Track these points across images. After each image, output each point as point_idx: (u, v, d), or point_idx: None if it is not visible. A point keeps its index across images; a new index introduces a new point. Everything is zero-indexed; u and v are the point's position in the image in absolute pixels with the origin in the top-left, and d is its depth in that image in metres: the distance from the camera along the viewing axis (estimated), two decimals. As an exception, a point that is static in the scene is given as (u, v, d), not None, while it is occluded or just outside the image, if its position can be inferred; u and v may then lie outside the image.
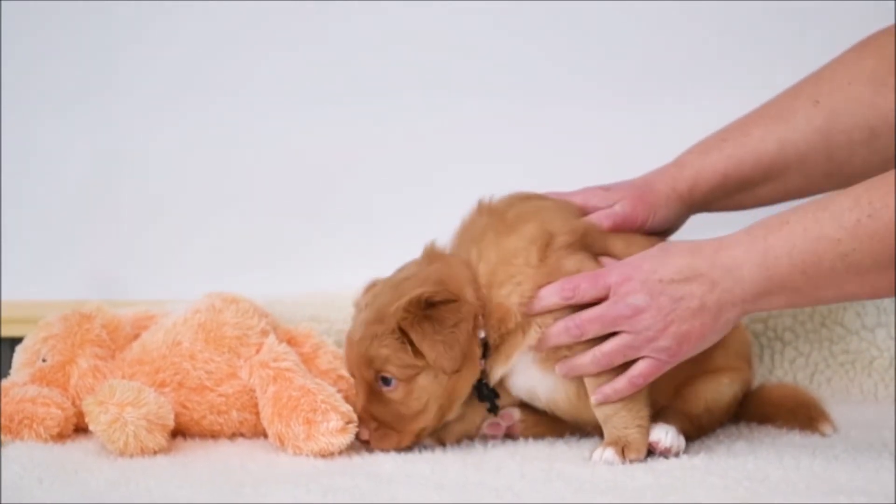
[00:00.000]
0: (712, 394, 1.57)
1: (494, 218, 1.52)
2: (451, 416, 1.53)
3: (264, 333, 1.59)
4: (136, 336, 1.63)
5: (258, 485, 1.36)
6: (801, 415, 1.64)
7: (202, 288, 1.66)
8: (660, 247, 1.45)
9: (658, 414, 1.53)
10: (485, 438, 1.59)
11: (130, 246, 1.97)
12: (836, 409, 1.67)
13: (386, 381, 1.49)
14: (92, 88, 1.95)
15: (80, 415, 1.54)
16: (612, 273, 1.44)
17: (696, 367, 1.56)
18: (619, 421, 1.47)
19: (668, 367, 1.45)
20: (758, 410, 1.67)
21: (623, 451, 1.46)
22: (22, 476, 1.38)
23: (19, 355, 1.62)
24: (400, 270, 1.54)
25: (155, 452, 1.50)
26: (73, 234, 1.96)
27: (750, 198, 1.64)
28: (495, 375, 1.52)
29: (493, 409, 1.55)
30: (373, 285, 1.55)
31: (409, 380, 1.48)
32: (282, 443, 1.51)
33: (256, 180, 1.95)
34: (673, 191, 1.60)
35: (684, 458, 1.49)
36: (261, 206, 1.95)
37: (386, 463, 1.45)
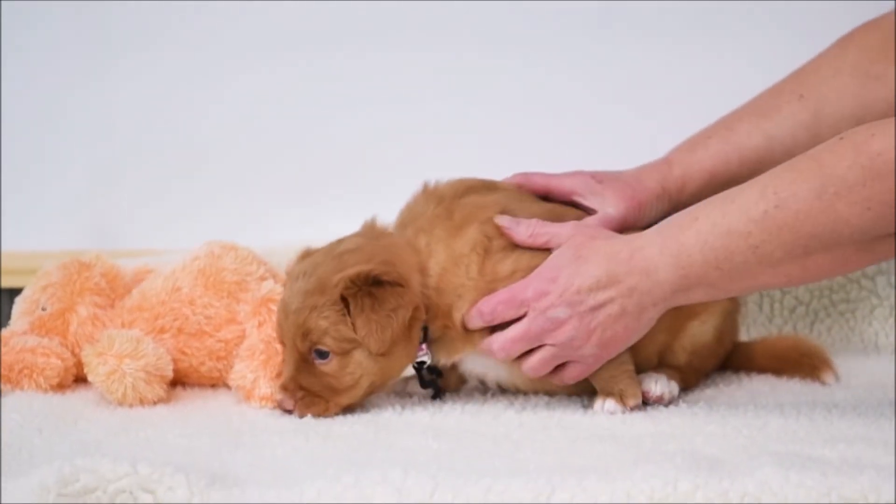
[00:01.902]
0: (689, 340, 1.57)
1: (442, 210, 1.49)
2: (383, 391, 1.52)
3: (263, 279, 1.59)
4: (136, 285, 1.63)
5: (257, 434, 1.36)
6: (805, 364, 1.64)
7: (199, 239, 1.65)
8: (574, 253, 1.42)
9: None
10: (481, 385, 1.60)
11: (129, 197, 1.96)
12: (836, 357, 1.67)
13: (321, 354, 1.44)
14: (91, 43, 1.94)
15: (79, 364, 1.54)
16: (527, 288, 1.43)
17: (668, 332, 1.55)
18: (606, 372, 1.47)
19: (598, 366, 1.45)
20: (762, 363, 1.67)
21: (622, 400, 1.46)
22: (22, 426, 1.38)
23: (18, 305, 1.62)
24: (339, 242, 1.49)
25: (154, 403, 1.50)
26: (72, 184, 1.96)
27: None
28: (441, 362, 1.50)
29: (437, 395, 1.53)
30: (307, 254, 1.50)
31: (345, 354, 1.44)
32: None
33: (252, 133, 1.94)
34: (663, 190, 1.58)
35: (683, 406, 1.49)
36: (256, 157, 1.95)
37: (384, 411, 1.46)
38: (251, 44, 1.94)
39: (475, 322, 1.45)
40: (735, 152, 1.59)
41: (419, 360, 1.48)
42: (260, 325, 1.54)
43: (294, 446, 1.31)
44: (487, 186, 1.53)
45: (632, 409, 1.46)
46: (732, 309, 1.63)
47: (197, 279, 1.58)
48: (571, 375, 1.46)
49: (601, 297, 1.41)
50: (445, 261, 1.46)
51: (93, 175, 1.96)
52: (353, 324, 1.43)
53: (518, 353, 1.45)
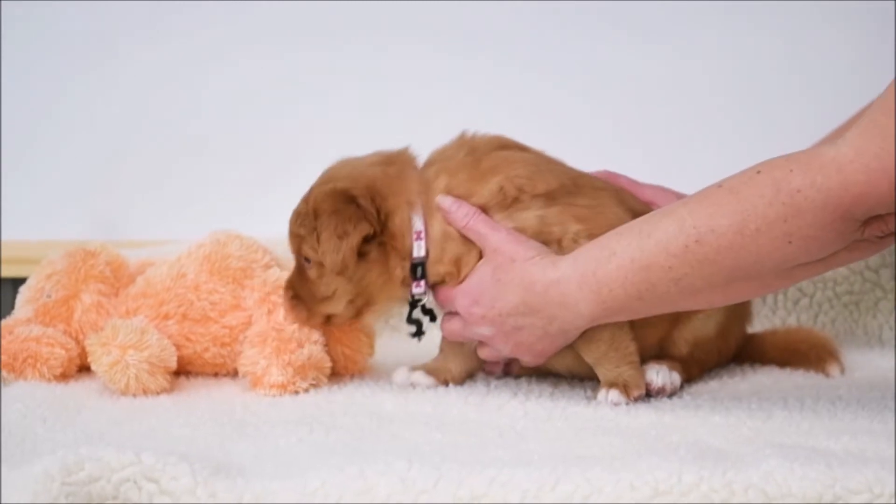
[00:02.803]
0: (691, 332, 1.57)
1: (471, 158, 1.51)
2: (372, 318, 1.55)
3: (268, 267, 1.59)
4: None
5: (261, 424, 1.36)
6: (812, 356, 1.65)
7: (204, 229, 1.65)
8: (493, 275, 1.44)
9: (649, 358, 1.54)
10: (485, 376, 1.60)
11: (133, 188, 1.96)
12: (839, 350, 1.67)
13: (307, 260, 1.51)
14: (92, 31, 1.94)
15: (83, 353, 1.54)
16: (456, 299, 1.47)
17: (671, 322, 1.56)
18: (610, 362, 1.47)
19: (543, 362, 1.49)
20: (771, 354, 1.67)
21: (626, 391, 1.46)
22: (25, 415, 1.38)
23: (23, 293, 1.62)
24: (371, 154, 1.53)
25: (157, 393, 1.50)
26: (74, 174, 1.95)
27: None
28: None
29: (418, 334, 1.55)
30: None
31: (320, 265, 1.49)
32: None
33: (254, 122, 1.94)
34: None
35: (687, 398, 1.49)
36: (259, 147, 1.95)
37: (388, 402, 1.46)
38: (254, 31, 1.93)
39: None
40: None
41: (417, 296, 1.51)
42: (269, 312, 1.54)
43: (298, 436, 1.31)
44: (521, 147, 1.55)
45: (635, 399, 1.46)
46: (739, 307, 1.63)
47: (202, 265, 1.58)
48: (523, 368, 1.53)
49: (522, 321, 1.44)
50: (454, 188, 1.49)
51: (94, 165, 1.96)
52: (317, 237, 1.48)
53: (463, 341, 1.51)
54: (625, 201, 1.54)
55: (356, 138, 1.91)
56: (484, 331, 1.46)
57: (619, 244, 1.38)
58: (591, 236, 1.44)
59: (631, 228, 1.39)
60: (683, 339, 1.57)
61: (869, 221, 1.28)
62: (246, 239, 1.61)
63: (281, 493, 1.13)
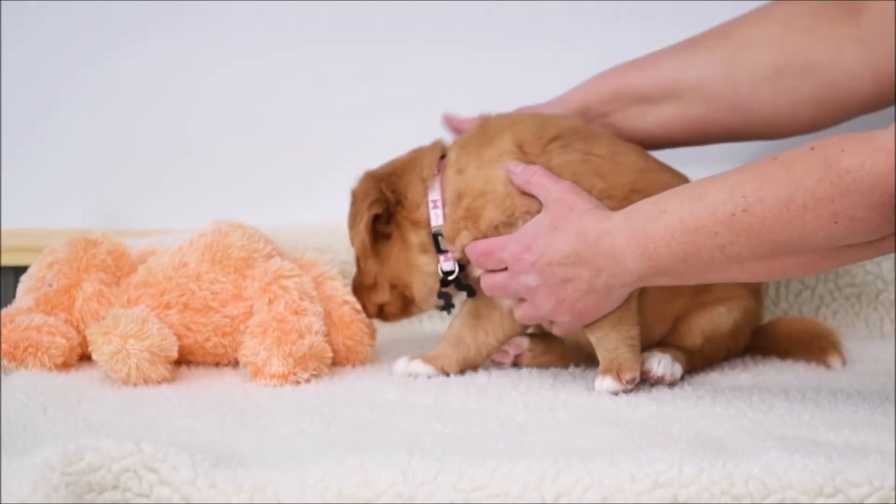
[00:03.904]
0: (709, 324, 1.57)
1: (480, 130, 1.56)
2: (420, 303, 1.59)
3: (270, 257, 1.59)
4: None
5: (261, 414, 1.36)
6: (814, 347, 1.64)
7: (206, 219, 1.65)
8: (550, 223, 1.46)
9: (655, 345, 1.54)
10: (493, 365, 1.60)
11: (134, 177, 1.96)
12: (841, 341, 1.66)
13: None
14: (96, 20, 1.94)
15: (84, 342, 1.54)
16: (507, 248, 1.48)
17: (691, 300, 1.56)
18: (610, 342, 1.48)
19: (580, 326, 1.49)
20: (773, 344, 1.67)
21: (619, 375, 1.46)
22: (26, 404, 1.38)
23: (24, 282, 1.62)
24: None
25: (158, 382, 1.50)
26: (77, 163, 1.95)
27: (653, 116, 1.65)
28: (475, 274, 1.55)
29: (447, 307, 1.58)
30: None
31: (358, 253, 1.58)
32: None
33: (259, 113, 1.94)
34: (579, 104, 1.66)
35: (688, 389, 1.49)
36: (263, 137, 1.94)
37: (389, 393, 1.46)
38: (262, 25, 1.93)
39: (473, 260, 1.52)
40: (646, 71, 1.64)
41: (445, 269, 1.54)
42: (270, 302, 1.54)
43: (299, 427, 1.31)
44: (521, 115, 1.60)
45: (628, 383, 1.46)
46: (756, 311, 1.63)
47: (204, 255, 1.58)
48: (557, 332, 1.51)
49: (570, 272, 1.44)
50: (472, 171, 1.52)
51: (97, 154, 1.95)
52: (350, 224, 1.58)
53: (499, 297, 1.52)
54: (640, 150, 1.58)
55: (359, 133, 1.93)
56: (530, 280, 1.46)
57: (670, 203, 1.39)
58: (611, 197, 1.49)
59: (685, 189, 1.40)
60: (700, 330, 1.56)
61: None
62: (248, 228, 1.61)
63: (281, 484, 1.13)
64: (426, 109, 1.87)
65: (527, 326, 1.58)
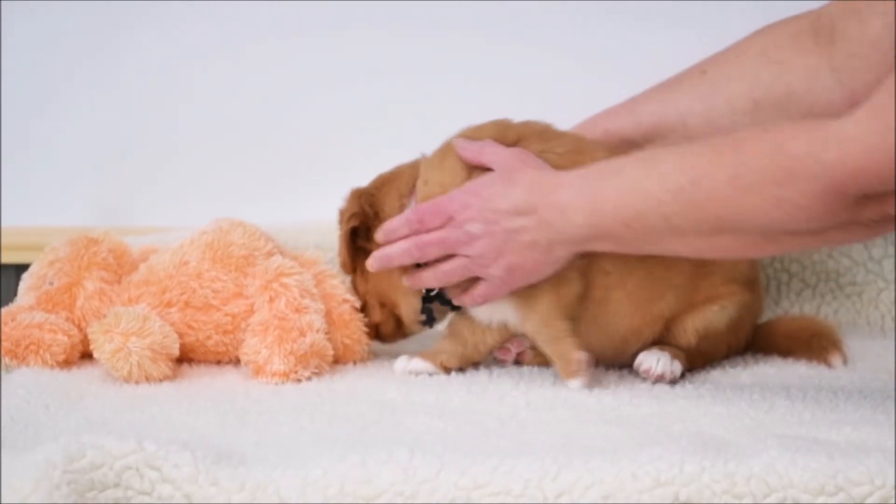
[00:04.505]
0: (702, 323, 1.56)
1: (447, 142, 1.56)
2: (409, 323, 1.59)
3: (270, 255, 1.59)
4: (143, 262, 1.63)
5: (263, 412, 1.37)
6: (815, 345, 1.64)
7: (207, 216, 1.65)
8: (504, 174, 1.47)
9: (652, 344, 1.55)
10: (495, 362, 1.60)
11: (135, 174, 1.96)
12: (842, 339, 1.66)
13: None
14: (97, 16, 1.94)
15: (86, 340, 1.54)
16: (454, 200, 1.48)
17: (679, 301, 1.55)
18: (543, 337, 1.50)
19: (505, 291, 1.49)
20: (774, 343, 1.67)
21: (574, 373, 1.48)
22: (28, 402, 1.38)
23: (25, 280, 1.62)
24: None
25: (160, 380, 1.50)
26: (78, 160, 1.95)
27: None
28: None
29: (429, 322, 1.58)
30: None
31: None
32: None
33: (261, 110, 1.94)
34: None
35: (689, 387, 1.49)
36: (265, 134, 1.94)
37: (390, 391, 1.46)
38: (264, 21, 1.93)
39: (402, 229, 1.51)
40: (629, 114, 1.64)
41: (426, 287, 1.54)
42: (271, 300, 1.54)
43: (300, 425, 1.31)
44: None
45: (584, 371, 1.47)
46: (753, 304, 1.63)
47: (205, 253, 1.58)
48: (479, 293, 1.50)
49: (516, 222, 1.44)
50: (434, 178, 1.53)
51: (98, 151, 1.95)
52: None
53: (431, 258, 1.50)
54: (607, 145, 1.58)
55: (361, 131, 1.93)
56: (473, 227, 1.46)
57: (627, 166, 1.40)
58: None
59: (644, 155, 1.41)
60: (693, 329, 1.56)
61: (864, 202, 1.28)
62: (249, 226, 1.61)
63: (283, 482, 1.13)
64: (428, 107, 1.88)
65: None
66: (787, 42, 1.58)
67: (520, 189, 1.44)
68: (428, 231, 1.49)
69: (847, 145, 1.25)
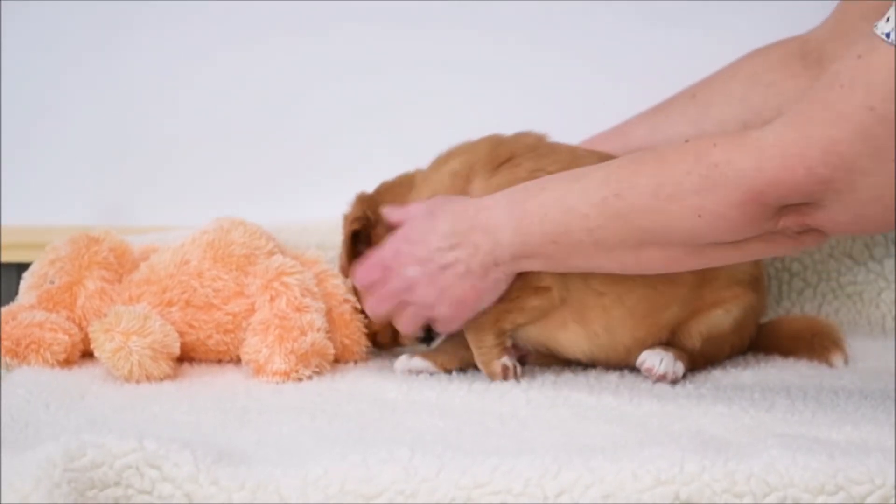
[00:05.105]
0: (707, 327, 1.56)
1: (444, 153, 1.58)
2: (405, 338, 1.59)
3: (271, 254, 1.59)
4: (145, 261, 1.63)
5: (263, 411, 1.37)
6: (816, 345, 1.64)
7: (208, 216, 1.65)
8: (427, 211, 1.48)
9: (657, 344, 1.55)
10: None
11: (136, 173, 1.96)
12: (843, 338, 1.66)
13: None
14: (98, 14, 1.94)
15: (86, 339, 1.54)
16: (388, 249, 1.49)
17: (684, 309, 1.55)
18: (468, 339, 1.52)
19: (459, 324, 1.50)
20: (775, 343, 1.67)
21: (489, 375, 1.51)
22: (28, 400, 1.38)
23: (26, 279, 1.62)
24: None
25: (160, 379, 1.50)
26: (79, 158, 1.95)
27: None
28: None
29: (426, 340, 1.59)
30: None
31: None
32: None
33: (261, 109, 1.94)
34: None
35: (690, 387, 1.49)
36: (267, 133, 1.94)
37: (391, 390, 1.46)
38: (264, 19, 1.93)
39: (363, 288, 1.53)
40: (619, 138, 1.65)
41: None
42: (272, 299, 1.54)
43: (301, 424, 1.31)
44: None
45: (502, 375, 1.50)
46: (757, 305, 1.62)
47: (205, 252, 1.58)
48: (441, 328, 1.51)
49: (448, 257, 1.45)
50: (424, 192, 1.54)
51: (99, 150, 1.95)
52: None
53: (387, 312, 1.51)
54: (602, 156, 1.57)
55: (363, 130, 1.93)
56: (410, 271, 1.46)
57: (551, 182, 1.41)
58: None
59: (571, 172, 1.42)
60: (698, 333, 1.56)
61: (784, 212, 1.28)
62: (250, 225, 1.61)
63: (283, 481, 1.13)
64: (429, 107, 1.88)
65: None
66: (777, 65, 1.59)
67: (443, 221, 1.45)
68: (375, 286, 1.51)
69: (765, 154, 1.25)
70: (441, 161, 1.57)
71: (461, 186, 1.52)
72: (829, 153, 1.22)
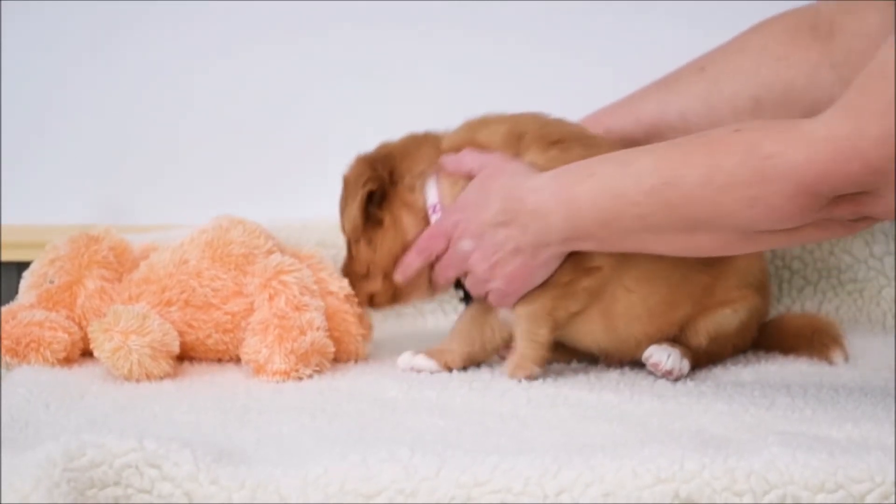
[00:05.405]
0: (714, 326, 1.56)
1: (476, 119, 1.57)
2: (409, 301, 1.59)
3: (270, 253, 1.59)
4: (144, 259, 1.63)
5: (264, 411, 1.36)
6: (817, 342, 1.64)
7: (208, 215, 1.65)
8: (481, 186, 1.49)
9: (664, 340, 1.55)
10: (499, 361, 1.59)
11: (136, 172, 1.96)
12: (843, 336, 1.66)
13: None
14: (98, 14, 1.94)
15: (86, 338, 1.54)
16: (447, 219, 1.51)
17: (695, 307, 1.56)
18: (519, 330, 1.51)
19: (512, 300, 1.50)
20: (776, 341, 1.67)
21: (514, 371, 1.50)
22: (28, 400, 1.38)
23: (26, 278, 1.62)
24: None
25: (160, 378, 1.50)
26: (79, 157, 1.95)
27: None
28: None
29: (466, 299, 1.58)
30: None
31: (349, 238, 1.58)
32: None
33: (261, 109, 1.94)
34: None
35: (690, 384, 1.49)
36: (267, 132, 1.94)
37: (391, 389, 1.46)
38: (266, 19, 1.93)
39: (415, 263, 1.53)
40: (629, 113, 1.65)
41: None
42: (271, 298, 1.54)
43: (301, 424, 1.31)
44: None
45: (524, 378, 1.49)
46: (762, 308, 1.63)
47: (204, 252, 1.58)
48: (493, 301, 1.52)
49: (500, 233, 1.46)
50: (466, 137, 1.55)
51: (99, 149, 1.95)
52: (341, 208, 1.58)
53: (453, 279, 1.53)
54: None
55: (363, 128, 1.92)
56: (465, 245, 1.48)
57: (599, 167, 1.41)
58: None
59: (616, 156, 1.42)
60: (705, 331, 1.56)
61: (837, 202, 1.28)
62: (249, 224, 1.61)
63: (283, 480, 1.13)
64: (429, 107, 1.88)
65: None
66: (787, 38, 1.58)
67: (496, 198, 1.46)
68: (437, 257, 1.52)
69: (817, 146, 1.25)
70: (473, 126, 1.56)
71: (514, 149, 1.52)
72: (882, 144, 1.22)
